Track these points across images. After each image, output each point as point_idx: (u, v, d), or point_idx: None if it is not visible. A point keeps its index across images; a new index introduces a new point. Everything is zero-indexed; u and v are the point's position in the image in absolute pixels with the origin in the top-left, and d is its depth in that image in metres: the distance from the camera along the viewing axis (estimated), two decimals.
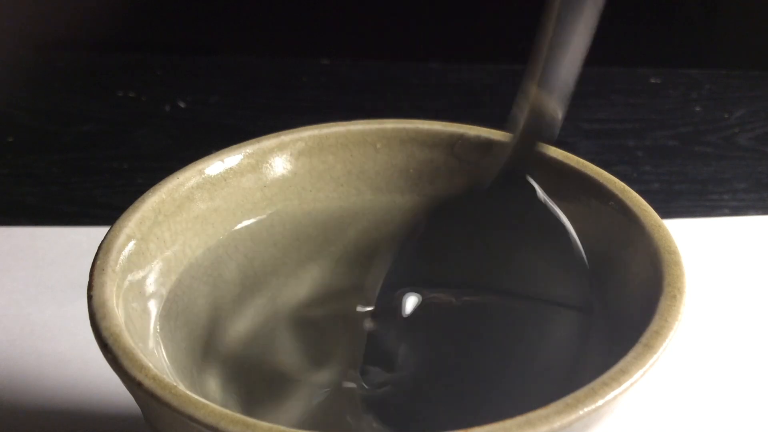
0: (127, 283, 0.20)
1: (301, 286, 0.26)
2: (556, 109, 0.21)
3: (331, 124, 0.25)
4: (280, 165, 0.24)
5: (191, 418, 0.15)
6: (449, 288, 0.24)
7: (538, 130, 0.22)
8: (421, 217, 0.25)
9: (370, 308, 0.24)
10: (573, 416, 0.15)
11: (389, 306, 0.24)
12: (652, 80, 0.57)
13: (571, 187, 0.23)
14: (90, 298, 0.18)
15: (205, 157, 0.23)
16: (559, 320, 0.23)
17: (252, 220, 0.24)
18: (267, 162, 0.24)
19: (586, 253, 0.22)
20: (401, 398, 0.23)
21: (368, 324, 0.24)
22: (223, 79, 0.56)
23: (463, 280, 0.24)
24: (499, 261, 0.24)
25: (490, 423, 0.15)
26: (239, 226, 0.24)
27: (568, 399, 0.16)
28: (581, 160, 0.23)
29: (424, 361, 0.24)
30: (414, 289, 0.24)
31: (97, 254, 0.20)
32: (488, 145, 0.24)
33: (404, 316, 0.24)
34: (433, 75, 0.58)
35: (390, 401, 0.23)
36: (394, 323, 0.24)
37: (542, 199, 0.22)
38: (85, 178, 0.44)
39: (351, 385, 0.24)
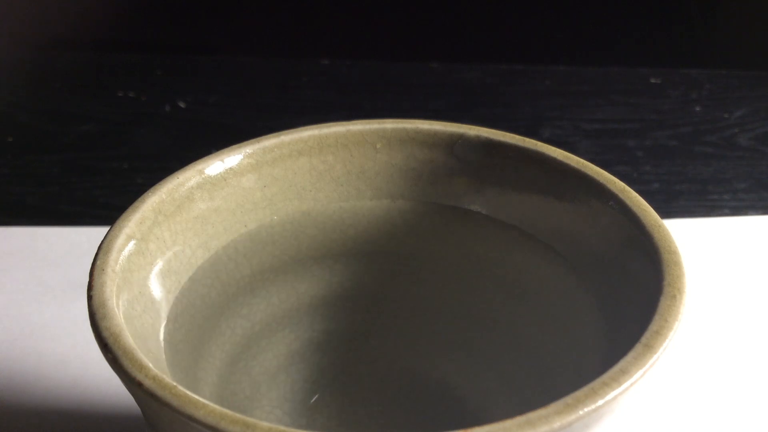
0: (127, 283, 0.20)
1: (300, 286, 0.26)
2: None
3: (331, 124, 0.25)
4: (280, 165, 0.24)
5: (191, 418, 0.15)
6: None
7: None
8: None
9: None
10: (573, 416, 0.15)
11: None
12: (652, 80, 0.57)
13: (571, 187, 0.23)
14: (90, 298, 0.18)
15: (205, 157, 0.23)
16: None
17: (252, 220, 0.24)
18: (267, 162, 0.24)
19: (586, 253, 0.22)
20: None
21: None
22: (223, 79, 0.56)
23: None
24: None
25: (490, 423, 0.15)
26: (239, 226, 0.24)
27: (568, 399, 0.16)
28: (581, 160, 0.23)
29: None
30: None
31: (97, 254, 0.19)
32: (488, 145, 0.24)
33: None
34: (433, 75, 0.58)
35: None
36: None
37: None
38: (85, 178, 0.44)
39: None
